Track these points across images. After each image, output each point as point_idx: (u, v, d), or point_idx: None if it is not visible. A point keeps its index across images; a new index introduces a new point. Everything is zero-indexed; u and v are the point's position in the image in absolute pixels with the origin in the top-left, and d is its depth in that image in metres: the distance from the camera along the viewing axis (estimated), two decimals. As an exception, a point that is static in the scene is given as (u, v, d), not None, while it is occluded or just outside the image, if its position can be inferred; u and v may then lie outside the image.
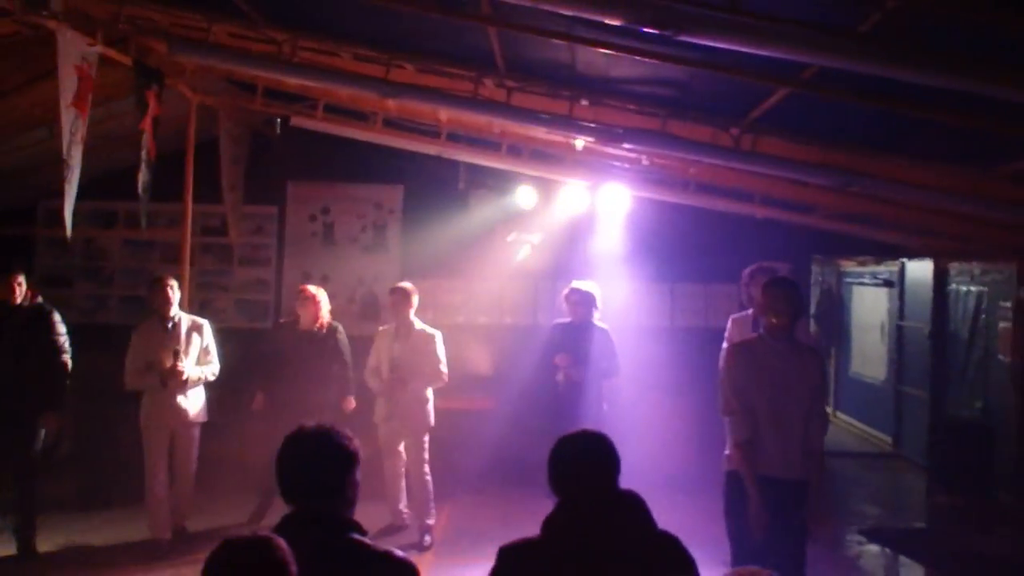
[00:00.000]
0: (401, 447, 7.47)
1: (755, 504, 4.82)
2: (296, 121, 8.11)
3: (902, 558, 7.52)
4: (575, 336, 7.42)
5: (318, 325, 7.59)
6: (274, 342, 7.76)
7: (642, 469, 8.27)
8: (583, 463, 2.98)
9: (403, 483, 7.57)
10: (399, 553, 2.89)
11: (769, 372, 4.88)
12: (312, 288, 7.71)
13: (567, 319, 7.57)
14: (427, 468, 7.44)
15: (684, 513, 7.78)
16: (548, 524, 2.88)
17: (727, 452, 5.10)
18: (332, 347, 7.60)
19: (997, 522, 7.92)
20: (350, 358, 7.70)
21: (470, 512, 8.22)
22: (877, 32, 3.76)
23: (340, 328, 7.73)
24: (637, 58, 4.90)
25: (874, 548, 7.64)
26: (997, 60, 3.82)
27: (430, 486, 7.43)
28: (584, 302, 7.40)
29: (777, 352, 4.91)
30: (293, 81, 6.89)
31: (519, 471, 8.04)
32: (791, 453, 4.86)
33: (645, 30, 3.73)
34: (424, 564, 7.06)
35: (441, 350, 7.37)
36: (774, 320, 4.91)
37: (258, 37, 6.22)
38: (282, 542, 2.36)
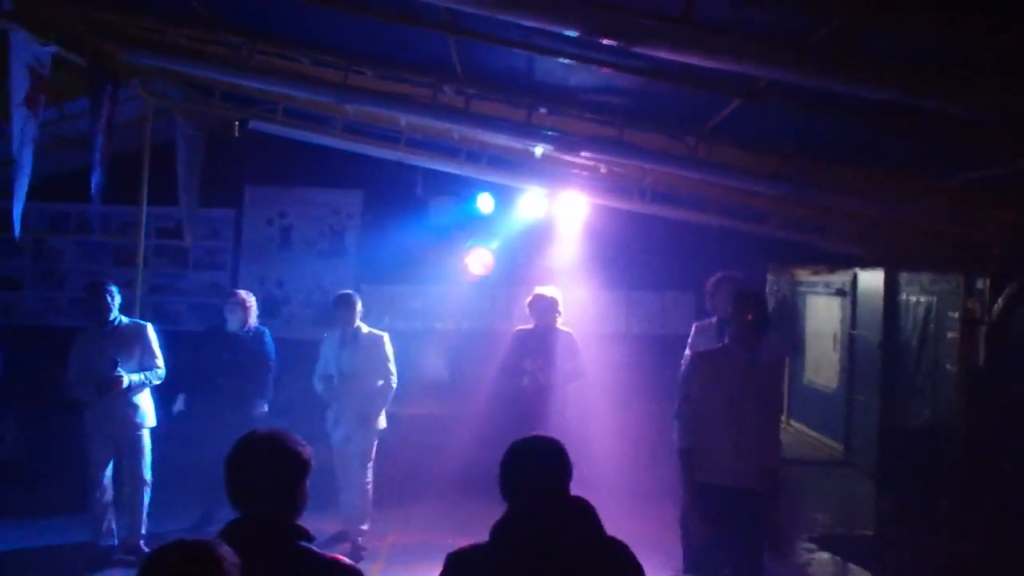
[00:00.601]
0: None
1: (686, 508, 4.89)
2: (255, 124, 8.06)
3: (851, 565, 7.62)
4: (539, 341, 7.50)
5: (246, 328, 7.59)
6: (201, 345, 7.73)
7: (598, 475, 8.42)
8: (533, 468, 2.98)
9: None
10: (347, 561, 2.90)
11: (728, 383, 4.94)
12: (243, 293, 7.72)
13: (530, 324, 7.64)
14: (371, 475, 7.40)
15: (638, 519, 7.89)
16: (496, 530, 2.88)
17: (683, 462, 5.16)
18: (257, 350, 7.59)
19: (943, 528, 8.05)
20: (275, 363, 7.69)
21: (427, 519, 8.20)
22: (825, 46, 3.83)
23: (267, 332, 7.73)
24: (593, 67, 4.96)
25: (824, 555, 7.75)
26: (943, 73, 3.90)
27: (370, 493, 7.40)
28: (547, 307, 7.49)
29: (739, 364, 4.96)
30: (251, 85, 6.86)
31: (476, 477, 8.02)
32: (746, 464, 4.91)
33: (600, 41, 3.78)
34: (378, 571, 7.07)
35: (390, 350, 7.36)
36: (742, 330, 4.97)
37: (215, 40, 6.19)
38: (226, 549, 2.28)
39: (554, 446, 3.07)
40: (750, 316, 4.94)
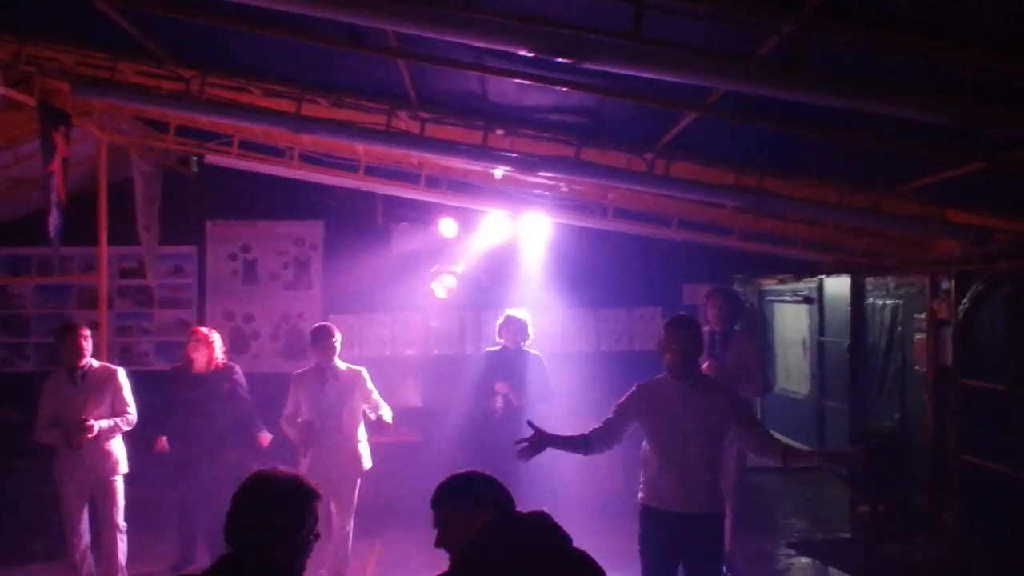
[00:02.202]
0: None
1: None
2: (211, 159, 8.02)
3: (830, 568, 7.64)
4: (509, 362, 7.52)
5: (213, 367, 7.41)
6: (166, 386, 7.55)
7: (566, 492, 8.41)
8: (492, 491, 3.03)
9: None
10: None
11: (663, 411, 4.94)
12: (204, 329, 7.52)
13: (498, 346, 7.66)
14: (352, 521, 7.25)
15: (607, 536, 7.84)
16: (472, 546, 2.82)
17: (640, 481, 5.17)
18: (228, 389, 7.42)
19: (917, 528, 8.10)
20: (248, 397, 7.53)
21: (400, 548, 8.13)
22: (775, 56, 3.87)
23: (236, 368, 7.54)
24: (545, 86, 4.97)
25: (803, 560, 7.76)
26: (892, 81, 3.95)
27: (351, 539, 7.25)
28: (518, 329, 7.53)
29: (678, 392, 4.96)
30: (204, 118, 6.82)
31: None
32: (692, 490, 4.91)
33: (548, 58, 3.79)
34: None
35: (369, 384, 7.24)
36: (673, 359, 4.97)
37: (165, 75, 6.14)
38: None
39: (484, 477, 3.13)
40: (674, 347, 4.93)
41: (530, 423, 5.08)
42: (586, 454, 5.12)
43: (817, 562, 7.74)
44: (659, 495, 4.98)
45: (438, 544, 3.08)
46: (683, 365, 4.94)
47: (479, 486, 3.10)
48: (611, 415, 5.09)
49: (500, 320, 7.70)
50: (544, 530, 2.80)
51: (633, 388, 5.13)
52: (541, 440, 4.98)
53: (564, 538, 2.82)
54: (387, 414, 7.14)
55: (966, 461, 7.73)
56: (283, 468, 3.03)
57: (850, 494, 9.04)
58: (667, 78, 3.90)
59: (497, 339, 7.72)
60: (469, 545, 2.81)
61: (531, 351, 7.68)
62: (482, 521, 2.87)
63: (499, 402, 7.49)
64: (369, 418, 7.19)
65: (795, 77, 3.73)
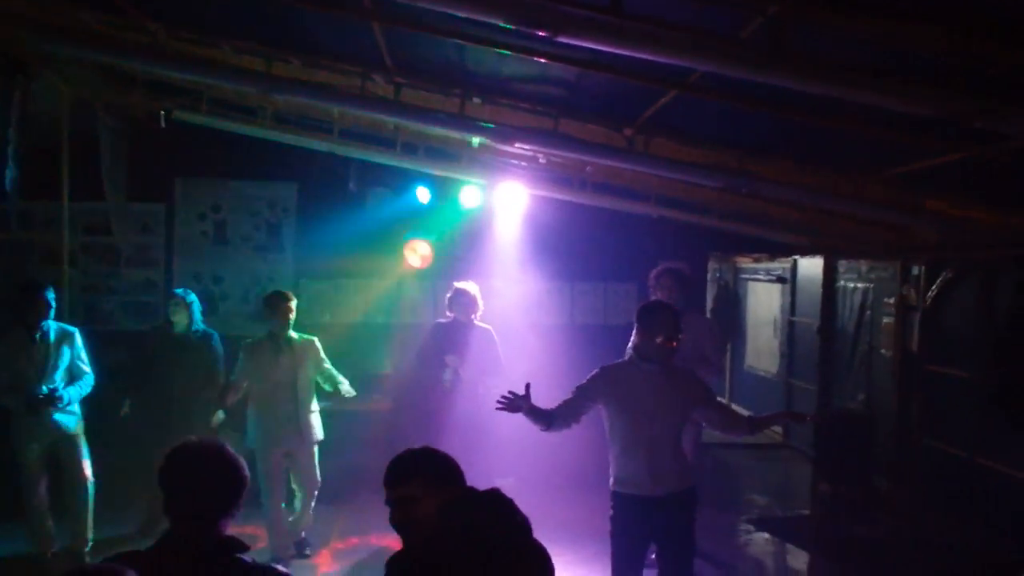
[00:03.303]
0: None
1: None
2: (179, 116, 7.80)
3: (788, 546, 7.69)
4: (457, 335, 7.45)
5: (193, 331, 7.33)
6: (146, 347, 7.47)
7: (537, 467, 8.39)
8: (448, 467, 3.01)
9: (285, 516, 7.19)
10: (281, 569, 2.93)
11: (633, 395, 4.92)
12: (186, 292, 7.45)
13: (448, 318, 7.60)
14: (315, 488, 7.19)
15: (578, 506, 7.88)
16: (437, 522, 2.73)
17: (611, 468, 5.15)
18: (206, 353, 7.36)
19: (876, 508, 8.18)
20: (222, 366, 7.46)
21: (365, 512, 8.10)
22: (759, 38, 3.78)
23: (215, 335, 7.49)
24: (524, 57, 4.86)
25: (761, 536, 7.82)
26: (876, 68, 3.88)
27: (312, 506, 7.21)
28: (467, 302, 7.45)
29: (646, 375, 4.93)
30: (170, 74, 6.63)
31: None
32: (660, 470, 4.93)
33: (526, 30, 3.69)
34: (322, 566, 6.97)
35: (322, 353, 7.17)
36: (649, 349, 4.93)
37: (130, 26, 5.94)
38: (131, 574, 2.25)
39: (442, 453, 3.10)
40: (660, 338, 4.89)
41: (526, 388, 5.00)
42: (546, 429, 5.09)
43: (776, 538, 7.79)
44: (628, 480, 4.98)
45: (396, 522, 3.01)
46: (662, 355, 4.92)
47: (444, 462, 3.06)
48: (572, 396, 5.06)
49: (449, 293, 7.61)
50: (505, 505, 2.73)
51: (597, 371, 5.09)
52: (519, 400, 4.94)
53: (519, 513, 2.77)
54: (345, 387, 7.08)
55: (928, 444, 7.80)
56: (201, 439, 3.03)
57: (812, 472, 9.11)
58: (645, 56, 3.80)
59: (447, 312, 7.64)
60: (438, 520, 2.71)
61: (481, 325, 7.61)
62: (445, 498, 2.78)
63: (448, 374, 7.44)
64: (323, 388, 7.15)
65: (779, 61, 3.64)
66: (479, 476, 3.01)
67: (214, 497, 2.85)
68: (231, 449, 2.96)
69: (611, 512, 5.12)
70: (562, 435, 6.00)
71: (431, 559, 2.62)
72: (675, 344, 4.95)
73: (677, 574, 5.03)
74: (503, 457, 7.88)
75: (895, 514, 7.92)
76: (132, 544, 6.97)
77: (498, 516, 2.64)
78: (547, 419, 5.02)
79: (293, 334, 7.00)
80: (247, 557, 2.85)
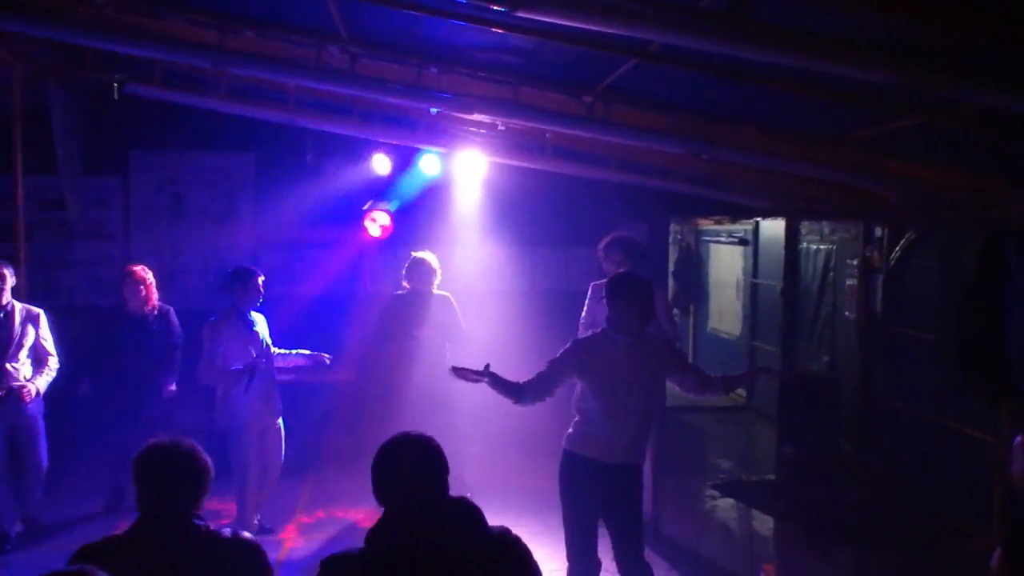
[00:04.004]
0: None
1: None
2: (131, 88, 7.62)
3: (753, 511, 7.75)
4: (419, 306, 7.41)
5: (149, 307, 7.22)
6: (101, 328, 7.36)
7: (501, 431, 8.43)
8: (408, 472, 2.82)
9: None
10: (248, 536, 3.10)
11: (605, 367, 4.93)
12: (140, 269, 7.29)
13: (404, 289, 7.56)
14: (281, 459, 7.16)
15: (541, 475, 7.91)
16: (372, 535, 2.75)
17: (569, 431, 5.15)
18: (163, 331, 7.26)
19: (841, 471, 8.26)
20: (180, 340, 7.39)
21: (329, 485, 8.11)
22: (720, 6, 3.72)
23: (171, 310, 7.39)
24: (482, 27, 4.79)
25: (726, 502, 7.88)
26: (842, 39, 3.84)
27: (277, 476, 7.19)
28: (425, 272, 7.41)
29: (618, 347, 4.93)
30: (123, 51, 6.46)
31: (375, 440, 7.92)
32: (630, 441, 4.99)
33: (482, 5, 3.62)
34: (287, 540, 6.97)
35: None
36: (622, 322, 4.94)
37: (79, -1, 5.79)
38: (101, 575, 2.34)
39: (428, 446, 2.88)
40: (632, 311, 4.91)
41: (486, 368, 4.98)
42: (516, 403, 5.08)
43: (741, 504, 7.84)
44: (595, 446, 4.99)
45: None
46: (634, 326, 4.90)
47: (404, 459, 2.90)
48: (545, 371, 5.04)
49: (407, 263, 7.56)
50: (464, 518, 2.73)
51: (570, 345, 5.09)
52: (475, 374, 4.93)
53: (483, 527, 2.79)
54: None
55: (892, 406, 7.87)
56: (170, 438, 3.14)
57: (776, 435, 9.18)
58: (605, 29, 3.75)
59: (404, 284, 7.59)
60: (373, 531, 2.76)
61: (439, 292, 7.59)
62: (398, 494, 2.81)
63: (411, 344, 7.42)
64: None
65: (740, 32, 3.59)
66: (447, 445, 2.96)
67: (184, 495, 3.00)
68: (201, 450, 3.11)
69: (561, 472, 5.13)
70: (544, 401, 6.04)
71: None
72: (648, 316, 4.95)
73: (630, 542, 5.08)
74: (469, 425, 7.89)
75: (861, 477, 8.01)
76: (97, 524, 6.98)
77: (443, 533, 2.69)
78: (516, 392, 5.01)
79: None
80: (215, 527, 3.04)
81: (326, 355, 7.13)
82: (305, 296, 9.20)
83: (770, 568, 2.72)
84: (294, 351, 7.11)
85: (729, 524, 7.57)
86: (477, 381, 4.94)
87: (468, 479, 7.28)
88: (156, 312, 7.30)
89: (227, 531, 3.06)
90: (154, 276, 7.47)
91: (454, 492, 2.84)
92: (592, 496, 5.04)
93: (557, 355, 5.06)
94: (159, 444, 3.07)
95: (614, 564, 5.20)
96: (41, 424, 6.72)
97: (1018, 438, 3.97)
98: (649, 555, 6.06)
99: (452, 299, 7.57)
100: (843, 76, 4.09)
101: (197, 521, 2.97)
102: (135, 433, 6.77)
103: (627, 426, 4.95)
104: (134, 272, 7.26)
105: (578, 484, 5.06)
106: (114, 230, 9.49)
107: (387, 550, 2.67)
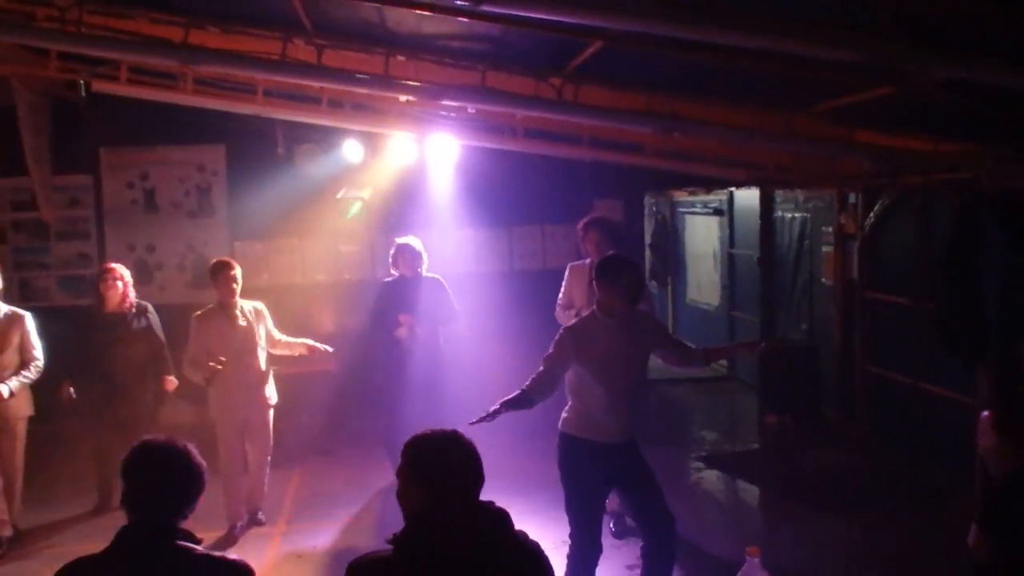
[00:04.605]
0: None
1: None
2: (98, 86, 7.54)
3: (739, 481, 7.82)
4: (407, 291, 7.38)
5: (127, 305, 7.18)
6: (80, 327, 7.30)
7: (481, 414, 8.43)
8: (458, 473, 2.73)
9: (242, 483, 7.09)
10: (231, 557, 2.95)
11: (600, 350, 4.92)
12: (116, 267, 7.23)
13: (394, 276, 7.52)
14: (269, 455, 7.17)
15: (526, 458, 7.97)
16: (403, 539, 2.64)
17: (564, 414, 5.17)
18: (142, 328, 7.22)
19: (823, 438, 8.36)
20: (163, 336, 7.35)
21: (318, 476, 8.11)
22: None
23: (149, 307, 7.34)
24: (447, 16, 4.78)
25: (712, 473, 7.94)
26: (805, 18, 3.86)
27: (267, 472, 7.19)
28: (412, 257, 7.37)
29: (608, 330, 4.95)
30: (88, 52, 6.40)
31: (363, 430, 7.98)
32: (627, 419, 4.99)
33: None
34: (277, 533, 6.97)
35: (270, 321, 7.11)
36: (611, 305, 4.94)
37: (42, 1, 5.72)
38: None
39: (470, 448, 2.77)
40: (622, 294, 4.89)
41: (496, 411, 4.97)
42: (530, 407, 5.07)
43: (726, 475, 7.91)
44: (594, 427, 4.99)
45: (398, 495, 2.83)
46: (623, 308, 4.93)
47: (442, 456, 2.77)
48: (543, 368, 5.01)
49: (392, 250, 7.53)
50: (497, 525, 2.67)
51: (562, 333, 5.08)
52: (494, 414, 4.93)
53: (513, 534, 2.71)
54: (300, 345, 7.07)
55: (871, 372, 7.96)
56: (163, 438, 3.02)
57: (758, 404, 9.26)
58: (565, 19, 3.75)
59: (392, 271, 7.57)
60: (400, 536, 2.65)
61: (428, 275, 7.56)
62: (433, 498, 2.69)
63: (404, 332, 7.39)
64: (272, 353, 7.11)
65: (709, 19, 3.59)
66: (451, 423, 2.92)
67: (174, 499, 2.90)
68: (195, 450, 3.00)
69: (561, 456, 5.13)
70: (515, 384, 6.04)
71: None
72: (637, 297, 4.97)
73: (653, 503, 5.07)
74: (469, 404, 7.91)
75: (843, 443, 8.11)
76: (88, 523, 6.98)
77: (472, 539, 2.61)
78: (526, 401, 4.98)
79: (241, 302, 6.91)
80: (198, 548, 2.88)
81: (327, 347, 7.13)
82: (283, 285, 9.19)
83: (754, 551, 2.77)
84: (299, 340, 7.10)
85: (717, 496, 7.63)
86: (495, 418, 4.95)
87: None
88: (135, 310, 7.24)
89: (217, 554, 2.92)
90: (131, 273, 7.42)
91: None
92: (596, 477, 5.04)
93: (551, 349, 5.07)
94: (151, 443, 2.96)
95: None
96: (23, 427, 6.69)
97: (984, 413, 4.01)
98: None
99: (443, 280, 7.56)
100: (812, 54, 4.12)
101: (183, 542, 2.84)
102: (119, 432, 6.81)
103: (623, 404, 4.97)
104: (111, 270, 7.19)
105: (581, 467, 5.05)
106: (88, 229, 9.43)
107: (416, 556, 2.58)
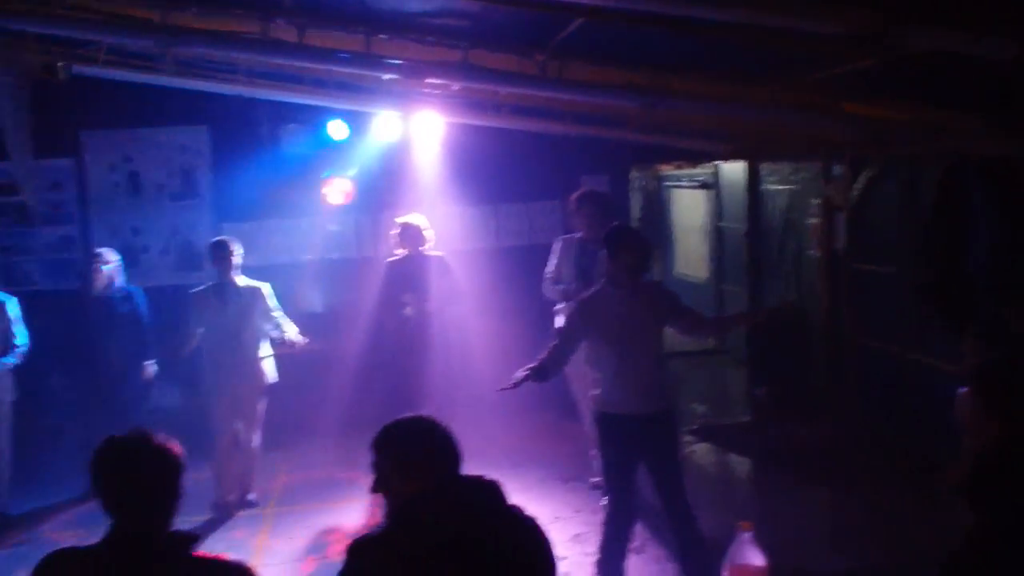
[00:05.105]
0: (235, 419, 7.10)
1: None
2: (77, 68, 7.45)
3: (731, 454, 7.86)
4: (414, 270, 7.36)
5: (115, 290, 7.17)
6: (63, 312, 7.32)
7: (472, 391, 8.46)
8: (427, 451, 2.72)
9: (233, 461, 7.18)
10: (231, 559, 2.74)
11: (613, 320, 5.00)
12: (105, 251, 7.25)
13: (399, 255, 7.49)
14: (260, 435, 7.21)
15: (516, 430, 8.00)
16: (399, 515, 2.62)
17: (594, 392, 5.22)
18: (130, 312, 7.22)
19: (812, 408, 8.39)
20: (149, 321, 7.35)
21: (310, 457, 8.13)
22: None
23: (138, 292, 7.35)
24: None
25: (703, 446, 7.98)
26: None
27: (257, 453, 7.23)
28: (415, 235, 7.35)
29: (619, 299, 5.00)
30: (66, 34, 6.34)
31: (355, 411, 7.97)
32: (646, 389, 5.06)
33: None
34: (268, 516, 6.99)
35: (274, 301, 7.11)
36: (620, 273, 5.01)
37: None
38: None
39: (441, 426, 2.78)
40: (630, 263, 4.99)
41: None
42: (545, 381, 5.14)
43: (717, 447, 7.95)
44: (618, 401, 5.06)
45: (374, 490, 2.81)
46: (631, 277, 5.01)
47: (420, 441, 2.77)
48: (558, 341, 5.14)
49: (395, 230, 7.49)
50: (491, 496, 2.63)
51: (575, 306, 5.15)
52: (519, 382, 5.03)
53: (507, 505, 2.65)
54: (292, 331, 7.06)
55: (859, 343, 7.98)
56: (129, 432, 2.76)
57: (747, 376, 9.29)
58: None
59: (396, 250, 7.53)
60: (399, 513, 2.62)
61: (433, 254, 7.53)
62: (419, 483, 2.64)
63: (409, 310, 7.37)
64: (272, 335, 7.11)
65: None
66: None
67: (152, 495, 2.65)
68: (160, 437, 2.73)
69: (599, 434, 5.25)
70: (504, 361, 6.07)
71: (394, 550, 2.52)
72: (645, 267, 5.09)
73: (673, 492, 5.13)
74: (463, 379, 7.96)
75: (832, 414, 8.13)
76: (78, 508, 6.98)
77: (471, 512, 2.57)
78: (542, 374, 5.07)
79: (240, 281, 6.96)
80: (198, 551, 2.71)
81: (304, 339, 7.13)
82: (270, 266, 9.13)
83: (747, 525, 2.79)
84: (289, 326, 7.10)
85: (707, 469, 7.67)
86: (519, 386, 5.05)
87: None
88: (121, 294, 7.24)
89: (214, 555, 2.73)
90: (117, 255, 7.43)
91: None
92: (628, 450, 5.12)
93: (564, 324, 5.14)
94: (112, 441, 2.70)
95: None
96: (7, 411, 6.70)
97: (962, 389, 4.02)
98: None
99: (446, 258, 7.55)
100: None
101: (176, 543, 2.66)
102: (109, 417, 6.81)
103: (641, 373, 5.03)
104: (101, 254, 7.21)
105: (614, 441, 5.14)
106: (71, 212, 9.33)
107: (416, 532, 2.53)
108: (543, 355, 5.10)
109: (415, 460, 2.70)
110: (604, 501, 6.56)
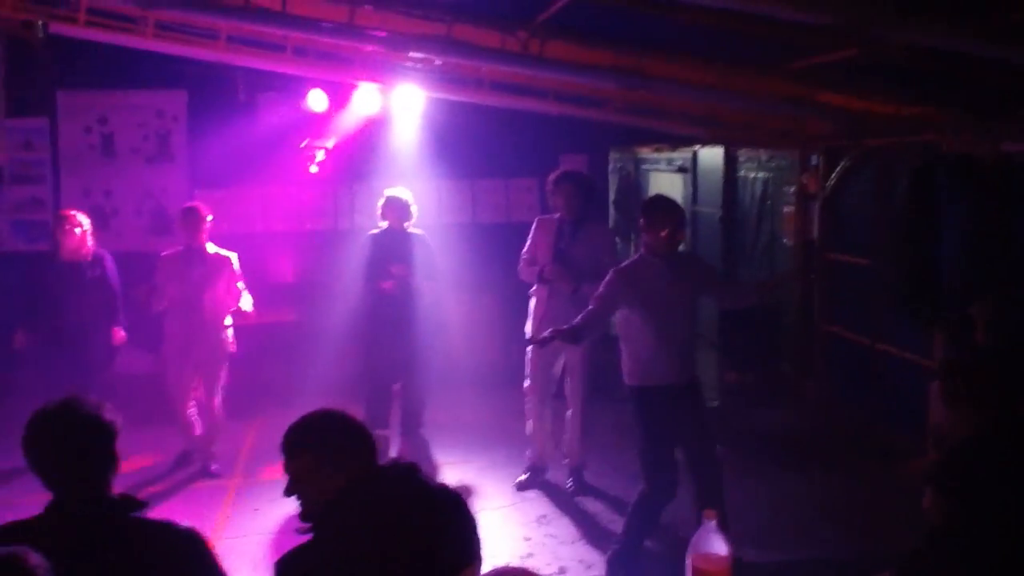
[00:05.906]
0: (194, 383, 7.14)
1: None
2: (55, 27, 7.35)
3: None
4: (394, 243, 7.31)
5: (84, 253, 7.08)
6: (32, 275, 7.22)
7: (449, 366, 8.48)
8: (352, 439, 2.72)
9: (195, 418, 7.21)
10: (180, 525, 2.70)
11: (651, 291, 5.05)
12: (75, 214, 7.12)
13: (380, 228, 7.42)
14: (221, 397, 7.21)
15: (488, 408, 8.01)
16: (321, 524, 2.56)
17: (626, 367, 5.28)
18: (98, 277, 7.14)
19: (782, 395, 8.46)
20: (118, 285, 7.29)
21: (277, 427, 8.05)
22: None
23: (108, 255, 7.27)
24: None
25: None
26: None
27: (221, 417, 7.24)
28: (401, 209, 7.31)
29: (657, 269, 5.07)
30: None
31: (326, 382, 7.97)
32: (685, 360, 5.18)
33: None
34: (232, 486, 6.97)
35: (238, 270, 7.10)
36: (657, 244, 5.09)
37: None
38: (36, 557, 2.07)
39: (349, 415, 2.79)
40: (666, 232, 5.05)
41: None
42: (576, 343, 5.41)
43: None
44: (655, 372, 5.10)
45: (288, 494, 2.79)
46: (669, 248, 5.10)
47: (342, 430, 2.79)
48: (595, 306, 5.15)
49: (381, 201, 7.43)
50: (405, 481, 2.60)
51: (612, 275, 5.16)
52: (546, 339, 5.22)
53: (426, 487, 2.50)
54: (247, 303, 7.07)
55: (830, 332, 8.05)
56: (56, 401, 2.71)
57: (718, 362, 9.32)
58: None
59: (380, 223, 7.47)
60: (327, 513, 2.52)
61: (415, 231, 7.50)
62: (347, 475, 2.61)
63: (394, 284, 7.33)
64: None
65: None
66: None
67: (84, 462, 2.62)
68: (91, 404, 2.69)
69: (636, 407, 5.22)
70: (474, 334, 6.09)
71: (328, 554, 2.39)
72: (681, 237, 5.17)
73: (705, 462, 5.22)
74: (436, 353, 7.96)
75: (801, 402, 8.20)
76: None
77: (403, 495, 2.42)
78: (575, 336, 5.15)
79: (209, 248, 6.94)
80: (142, 514, 2.67)
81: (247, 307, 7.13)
82: (244, 234, 9.08)
83: (711, 513, 2.81)
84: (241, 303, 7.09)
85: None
86: (547, 344, 5.28)
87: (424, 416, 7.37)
88: (91, 258, 7.13)
89: (163, 520, 2.68)
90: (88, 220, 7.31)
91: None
92: (671, 422, 5.14)
93: (602, 289, 5.14)
94: (37, 414, 2.64)
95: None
96: None
97: (934, 384, 4.09)
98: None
99: (426, 236, 7.52)
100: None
101: (121, 508, 2.62)
102: (74, 381, 6.73)
103: (677, 344, 5.09)
104: (69, 217, 7.06)
105: (658, 414, 5.13)
106: (43, 173, 9.23)
107: (339, 535, 2.38)
108: (579, 319, 5.12)
109: (348, 448, 2.69)
110: (569, 484, 6.60)
